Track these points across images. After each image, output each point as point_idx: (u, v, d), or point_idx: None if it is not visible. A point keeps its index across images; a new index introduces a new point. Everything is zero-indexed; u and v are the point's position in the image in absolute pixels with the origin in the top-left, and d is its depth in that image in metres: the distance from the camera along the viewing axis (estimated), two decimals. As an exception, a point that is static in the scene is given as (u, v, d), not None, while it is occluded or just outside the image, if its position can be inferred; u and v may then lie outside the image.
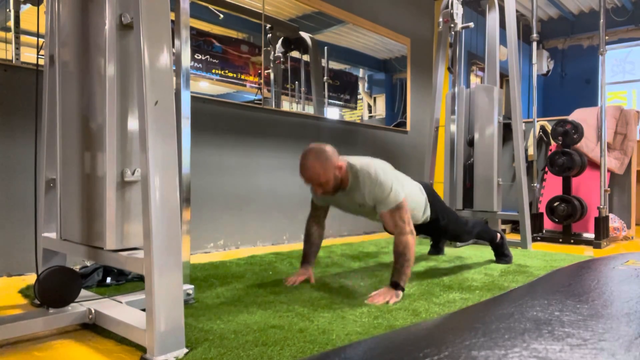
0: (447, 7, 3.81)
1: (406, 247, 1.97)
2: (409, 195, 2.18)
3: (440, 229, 2.47)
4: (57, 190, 1.75)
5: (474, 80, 6.65)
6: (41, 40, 1.78)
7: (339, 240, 3.96)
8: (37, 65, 1.75)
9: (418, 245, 3.39)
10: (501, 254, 2.86)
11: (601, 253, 3.52)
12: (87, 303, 1.64)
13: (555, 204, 4.14)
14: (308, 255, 2.33)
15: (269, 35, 3.90)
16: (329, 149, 2.02)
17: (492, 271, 2.57)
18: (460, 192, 3.83)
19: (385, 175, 2.04)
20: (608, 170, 4.30)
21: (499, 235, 2.83)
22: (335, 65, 4.67)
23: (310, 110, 4.30)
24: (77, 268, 2.24)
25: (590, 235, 4.15)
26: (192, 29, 3.24)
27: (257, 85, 3.78)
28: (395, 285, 1.95)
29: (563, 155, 4.13)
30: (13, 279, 2.36)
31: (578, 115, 4.56)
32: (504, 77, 5.80)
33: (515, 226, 4.68)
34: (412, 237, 2.01)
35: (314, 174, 1.98)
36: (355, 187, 2.06)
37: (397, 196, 2.02)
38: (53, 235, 1.82)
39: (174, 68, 1.73)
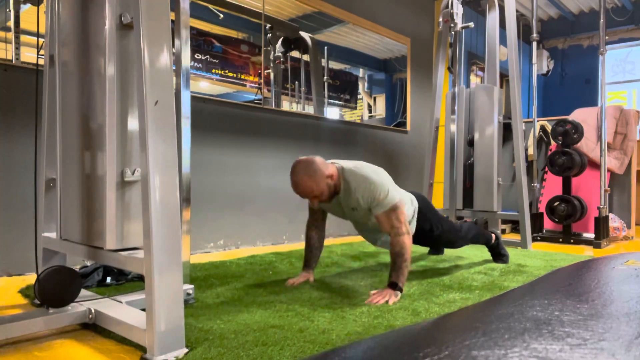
0: (447, 7, 3.81)
1: (403, 248, 1.97)
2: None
3: (434, 239, 2.46)
4: (57, 190, 1.75)
5: (474, 80, 6.65)
6: (41, 40, 1.78)
7: (339, 240, 3.96)
8: (37, 65, 1.75)
9: (418, 245, 3.39)
10: (498, 254, 2.87)
11: (601, 253, 3.52)
12: (87, 303, 1.64)
13: (555, 204, 4.14)
14: (309, 260, 2.33)
15: (269, 35, 3.90)
16: (318, 159, 2.00)
17: (492, 271, 2.57)
18: (460, 192, 3.83)
19: (379, 177, 2.03)
20: (608, 170, 4.30)
21: (494, 236, 2.83)
22: (335, 65, 4.67)
23: (310, 110, 4.30)
24: (77, 268, 2.24)
25: (590, 235, 4.15)
26: (192, 28, 3.24)
27: (257, 85, 3.78)
28: (394, 286, 1.95)
29: (563, 155, 4.13)
30: (13, 278, 2.36)
31: (578, 115, 4.56)
32: (504, 77, 5.80)
33: (515, 226, 4.68)
34: (408, 237, 2.01)
35: (307, 189, 1.97)
36: (348, 191, 2.05)
37: (392, 197, 2.01)
38: (53, 235, 1.82)
39: (174, 68, 1.73)
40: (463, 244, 2.65)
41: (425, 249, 3.26)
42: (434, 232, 2.38)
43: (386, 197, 2.00)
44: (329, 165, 2.03)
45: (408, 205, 2.25)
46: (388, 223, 2.01)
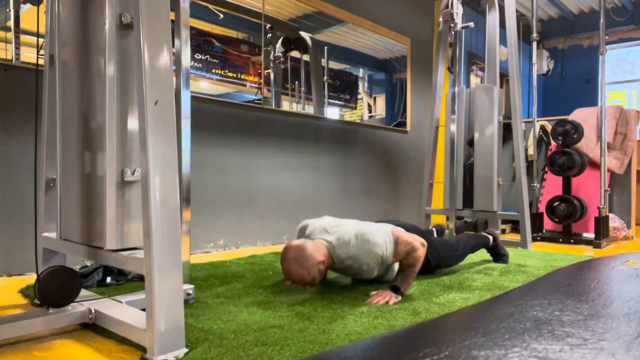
0: (447, 6, 3.81)
1: (417, 260, 1.98)
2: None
3: (433, 268, 2.44)
4: (57, 190, 1.75)
5: (474, 80, 6.65)
6: (41, 40, 1.78)
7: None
8: (37, 65, 1.75)
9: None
10: (497, 255, 2.86)
11: (601, 253, 3.52)
12: (87, 303, 1.64)
13: (555, 204, 4.14)
14: None
15: (269, 35, 3.90)
16: (309, 246, 1.95)
17: (492, 271, 2.57)
18: (460, 192, 3.83)
19: (368, 237, 1.97)
20: (608, 170, 4.30)
21: (491, 238, 2.82)
22: (335, 65, 4.67)
23: (310, 110, 4.30)
24: (77, 268, 2.24)
25: (590, 235, 4.15)
26: (192, 28, 3.24)
27: (257, 85, 3.78)
28: (396, 290, 1.96)
29: (563, 155, 4.13)
30: (13, 278, 2.36)
31: (578, 115, 4.57)
32: (504, 77, 5.80)
33: (515, 226, 4.68)
34: (423, 249, 2.00)
35: (298, 277, 1.94)
36: (343, 264, 2.02)
37: (388, 240, 1.98)
38: (53, 235, 1.82)
39: (174, 68, 1.73)
40: (461, 260, 2.64)
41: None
42: (431, 263, 2.35)
43: (386, 246, 1.97)
44: (319, 249, 1.96)
45: None
46: (402, 253, 1.99)
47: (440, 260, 2.43)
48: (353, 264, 2.00)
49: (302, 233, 2.20)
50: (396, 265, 2.11)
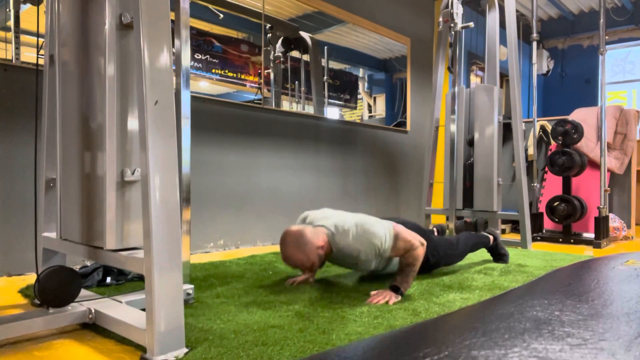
0: (447, 6, 3.81)
1: (416, 259, 1.98)
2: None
3: (432, 266, 2.43)
4: (57, 190, 1.75)
5: (474, 80, 6.65)
6: (41, 40, 1.78)
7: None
8: (37, 65, 1.75)
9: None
10: (497, 254, 2.86)
11: (601, 253, 3.52)
12: (87, 303, 1.64)
13: (555, 204, 4.14)
14: None
15: (269, 35, 3.90)
16: (308, 231, 1.96)
17: (492, 271, 2.57)
18: (460, 192, 3.83)
19: (367, 228, 1.98)
20: (608, 170, 4.30)
21: (491, 237, 2.82)
22: (335, 65, 4.67)
23: (310, 109, 4.30)
24: (77, 268, 2.24)
25: (590, 235, 4.15)
26: (192, 28, 3.24)
27: (257, 85, 3.78)
28: (396, 289, 1.96)
29: (563, 155, 4.13)
30: (13, 278, 2.36)
31: (578, 115, 4.57)
32: (504, 77, 5.80)
33: (515, 226, 4.68)
34: (422, 248, 2.00)
35: (297, 262, 1.96)
36: (343, 254, 2.02)
37: (389, 233, 1.99)
38: (53, 235, 1.82)
39: (174, 68, 1.73)
40: (461, 259, 2.63)
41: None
42: (430, 261, 2.35)
43: (385, 238, 1.97)
44: (319, 235, 1.98)
45: None
46: (401, 250, 2.00)
47: (439, 259, 2.42)
48: (352, 253, 1.99)
49: (303, 223, 2.20)
50: (397, 259, 2.11)
